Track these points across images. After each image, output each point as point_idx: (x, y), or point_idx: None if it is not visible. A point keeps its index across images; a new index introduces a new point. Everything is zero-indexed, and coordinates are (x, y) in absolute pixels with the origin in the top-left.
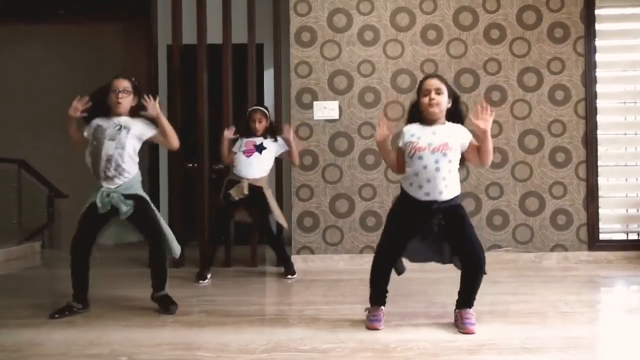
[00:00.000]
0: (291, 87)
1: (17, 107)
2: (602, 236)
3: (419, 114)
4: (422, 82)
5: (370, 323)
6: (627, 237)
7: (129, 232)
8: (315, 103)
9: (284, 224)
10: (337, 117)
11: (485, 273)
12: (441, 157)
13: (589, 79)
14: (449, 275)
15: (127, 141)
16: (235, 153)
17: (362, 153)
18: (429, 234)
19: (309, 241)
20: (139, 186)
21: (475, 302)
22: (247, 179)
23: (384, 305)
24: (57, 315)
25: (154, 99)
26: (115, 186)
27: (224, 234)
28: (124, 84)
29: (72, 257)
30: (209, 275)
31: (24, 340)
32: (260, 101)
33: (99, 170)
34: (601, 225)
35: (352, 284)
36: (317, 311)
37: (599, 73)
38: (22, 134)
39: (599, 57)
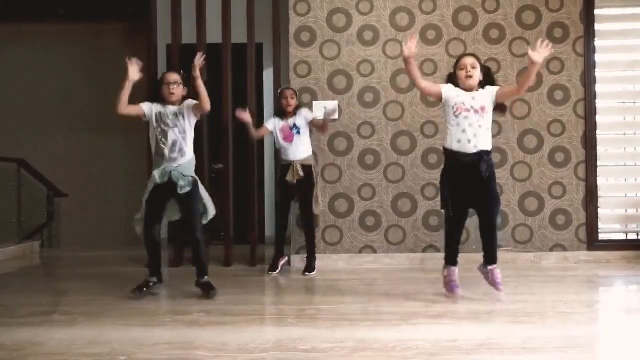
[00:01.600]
0: (291, 86)
1: (17, 106)
2: (601, 236)
3: (455, 84)
4: (459, 59)
5: (451, 290)
6: (627, 237)
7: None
8: (314, 103)
9: (317, 211)
10: (336, 116)
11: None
12: (481, 117)
13: (588, 79)
14: None
15: (186, 125)
16: (269, 131)
17: (361, 153)
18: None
19: None
20: (193, 170)
21: (475, 303)
22: (297, 161)
23: (456, 266)
24: (137, 292)
25: (199, 65)
26: (176, 165)
27: (285, 223)
28: (175, 77)
29: (145, 235)
30: (280, 264)
31: (24, 339)
32: (259, 101)
33: (164, 153)
34: (600, 225)
35: (351, 283)
36: (316, 311)
37: (599, 73)
38: (21, 133)
39: (598, 57)
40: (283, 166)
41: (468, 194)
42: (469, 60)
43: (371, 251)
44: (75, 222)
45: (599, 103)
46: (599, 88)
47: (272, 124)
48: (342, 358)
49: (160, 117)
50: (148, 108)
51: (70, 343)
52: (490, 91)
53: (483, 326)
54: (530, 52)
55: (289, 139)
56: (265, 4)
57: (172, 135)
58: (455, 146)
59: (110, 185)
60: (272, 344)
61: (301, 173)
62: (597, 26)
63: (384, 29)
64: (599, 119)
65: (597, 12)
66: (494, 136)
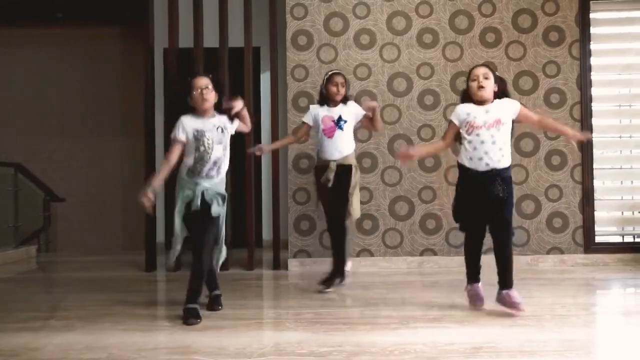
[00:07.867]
0: (288, 90)
1: (14, 110)
2: (597, 239)
3: (469, 99)
4: (471, 70)
5: (475, 305)
6: (623, 239)
7: None
8: (311, 106)
9: (356, 214)
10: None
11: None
12: (496, 132)
13: (584, 82)
14: (446, 279)
15: (227, 142)
16: (309, 126)
17: (358, 156)
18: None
19: (305, 244)
20: (224, 186)
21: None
22: (335, 161)
23: (479, 282)
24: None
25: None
26: (210, 185)
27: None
28: (205, 80)
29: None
30: (338, 281)
31: (20, 344)
32: (257, 104)
33: (203, 171)
34: (597, 228)
35: (349, 287)
36: (314, 314)
37: (594, 76)
38: (19, 138)
39: (594, 61)
40: (318, 167)
41: (482, 211)
42: (480, 71)
43: (368, 254)
44: (72, 227)
45: (595, 106)
46: (594, 91)
47: (311, 116)
48: None
49: (200, 133)
50: (183, 134)
51: (68, 348)
52: (512, 106)
53: (481, 329)
54: (573, 138)
55: (329, 132)
56: (262, 8)
57: (216, 152)
58: (467, 163)
59: (107, 190)
60: (270, 348)
61: (331, 177)
62: (593, 30)
63: (381, 33)
64: (594, 122)
65: (592, 15)
66: None
